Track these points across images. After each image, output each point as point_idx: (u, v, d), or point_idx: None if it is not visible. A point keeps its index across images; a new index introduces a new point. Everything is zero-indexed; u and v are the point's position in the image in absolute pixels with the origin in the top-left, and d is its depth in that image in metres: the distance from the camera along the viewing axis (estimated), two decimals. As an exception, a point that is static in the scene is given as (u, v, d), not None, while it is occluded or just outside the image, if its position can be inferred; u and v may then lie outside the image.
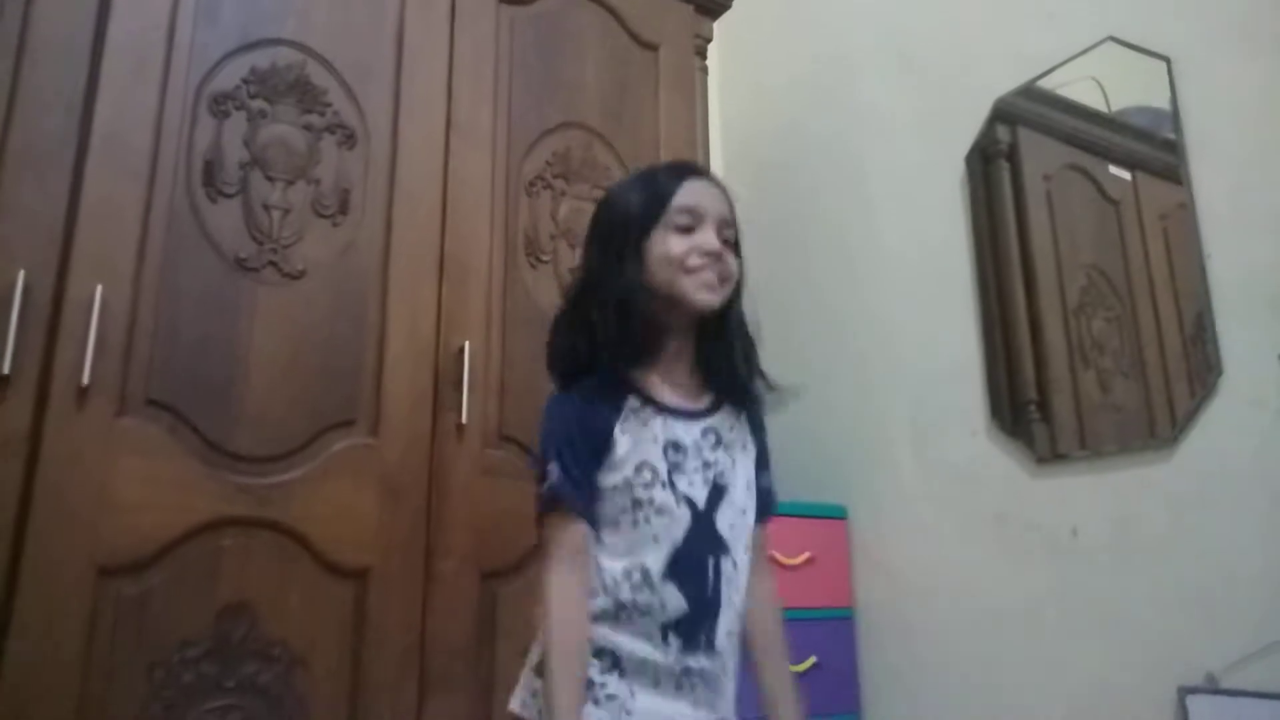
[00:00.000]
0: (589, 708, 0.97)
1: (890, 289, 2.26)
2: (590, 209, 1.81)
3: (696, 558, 1.01)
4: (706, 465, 1.04)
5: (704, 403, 1.09)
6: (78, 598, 1.23)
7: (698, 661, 0.99)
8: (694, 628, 1.00)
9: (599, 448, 1.02)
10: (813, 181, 2.50)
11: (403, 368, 1.55)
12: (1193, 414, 1.66)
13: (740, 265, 1.11)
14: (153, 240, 1.39)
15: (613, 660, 0.98)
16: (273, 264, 1.48)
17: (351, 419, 1.48)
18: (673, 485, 1.02)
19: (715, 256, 1.06)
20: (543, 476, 1.02)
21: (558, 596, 0.98)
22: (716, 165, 2.57)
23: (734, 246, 1.11)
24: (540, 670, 0.99)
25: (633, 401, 1.04)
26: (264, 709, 1.32)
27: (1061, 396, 1.91)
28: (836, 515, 2.22)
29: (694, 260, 1.05)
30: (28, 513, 1.22)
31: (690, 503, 1.02)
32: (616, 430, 1.02)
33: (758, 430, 1.13)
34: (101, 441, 1.29)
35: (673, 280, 1.05)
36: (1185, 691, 1.56)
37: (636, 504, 1.00)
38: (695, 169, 1.15)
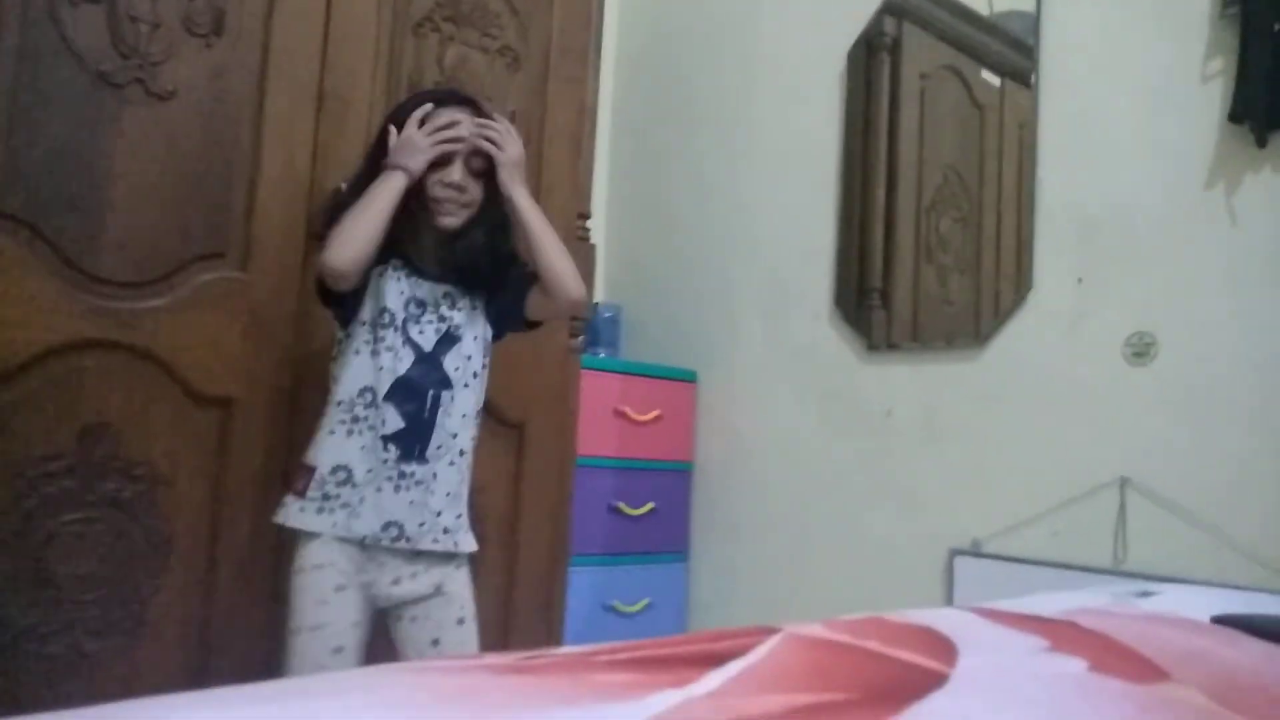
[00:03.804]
0: (323, 516, 1.26)
1: (759, 170, 2.35)
2: (479, 57, 1.82)
3: (416, 387, 1.29)
4: (442, 319, 1.33)
5: (441, 268, 1.35)
6: (-68, 407, 1.24)
7: (410, 467, 1.28)
8: (409, 441, 1.28)
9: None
10: (702, 55, 2.52)
11: (275, 203, 1.54)
12: (1003, 320, 1.87)
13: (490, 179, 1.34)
14: (5, 44, 1.30)
15: (347, 474, 1.27)
16: (139, 81, 1.42)
17: (221, 251, 1.48)
18: (405, 330, 1.30)
19: (458, 189, 1.31)
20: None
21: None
22: (610, 22, 2.54)
23: (486, 166, 1.33)
24: (292, 486, 1.29)
25: (395, 261, 1.32)
26: (126, 522, 1.38)
27: (903, 287, 2.08)
28: (687, 379, 2.38)
29: (438, 192, 1.31)
30: (-125, 319, 1.20)
31: (415, 346, 1.30)
32: (383, 270, 1.31)
33: (503, 289, 1.40)
34: (-47, 252, 1.26)
35: (425, 202, 1.32)
36: (955, 553, 1.84)
37: (374, 339, 1.29)
38: (452, 99, 1.35)
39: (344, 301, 1.32)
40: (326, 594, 1.24)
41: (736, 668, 0.64)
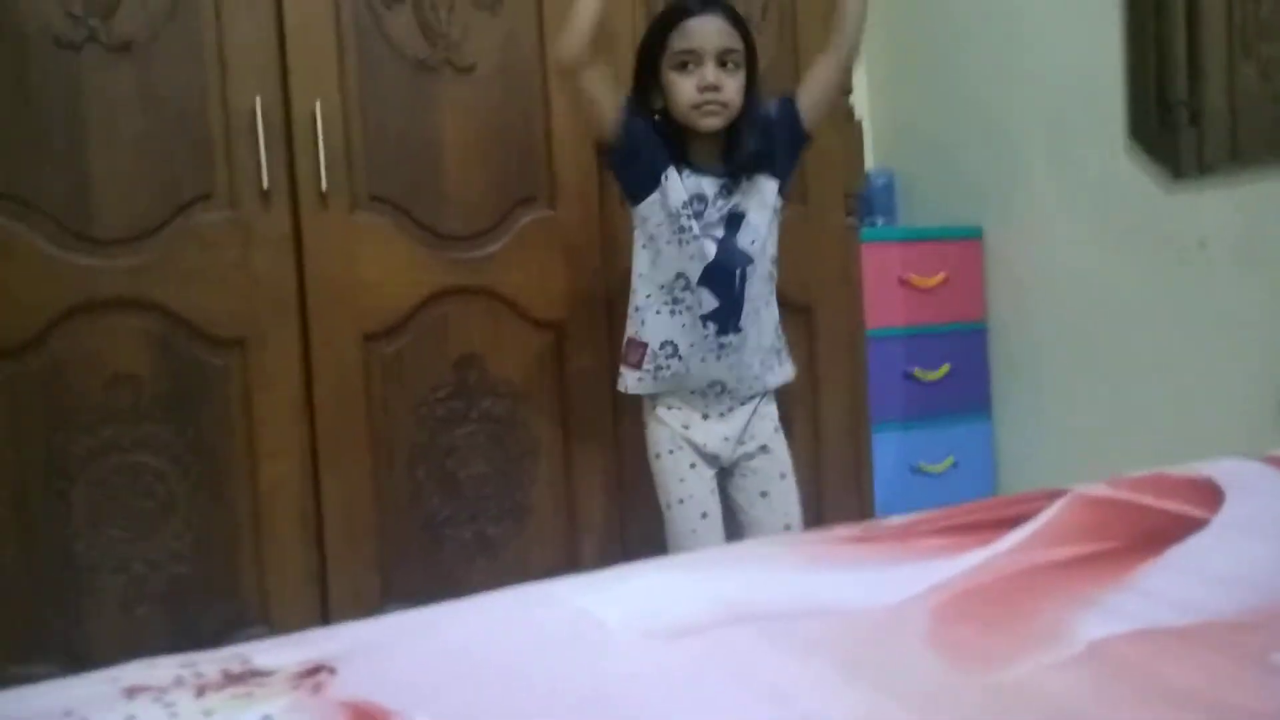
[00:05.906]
0: (658, 384, 1.47)
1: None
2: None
3: (725, 269, 1.45)
4: (722, 205, 1.46)
5: (724, 166, 1.47)
6: (353, 357, 1.60)
7: (728, 339, 1.46)
8: (724, 317, 1.45)
9: (652, 161, 1.44)
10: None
11: (568, 143, 1.74)
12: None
13: (749, 76, 1.42)
14: (347, 53, 1.58)
15: (673, 349, 1.46)
16: (448, 61, 1.66)
17: (533, 195, 1.72)
18: (700, 219, 1.44)
19: (713, 89, 1.38)
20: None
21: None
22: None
23: (742, 62, 1.41)
24: (625, 359, 1.49)
25: (679, 165, 1.45)
26: (501, 431, 1.71)
27: (1215, 94, 1.85)
28: (971, 236, 2.35)
29: (696, 99, 1.40)
30: (305, 296, 1.56)
31: (712, 232, 1.45)
32: (669, 172, 1.44)
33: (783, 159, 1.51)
34: (345, 235, 1.58)
35: (684, 115, 1.42)
36: (1293, 386, 1.72)
37: (677, 231, 1.43)
38: (692, 8, 1.40)
39: (619, 161, 1.49)
40: (684, 472, 1.48)
41: (1030, 528, 0.79)
